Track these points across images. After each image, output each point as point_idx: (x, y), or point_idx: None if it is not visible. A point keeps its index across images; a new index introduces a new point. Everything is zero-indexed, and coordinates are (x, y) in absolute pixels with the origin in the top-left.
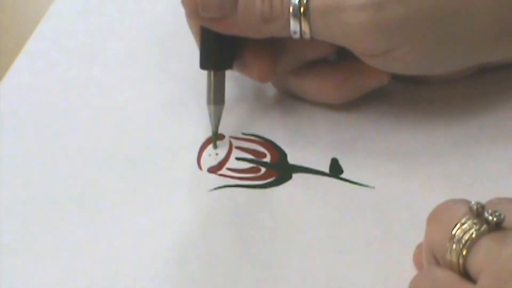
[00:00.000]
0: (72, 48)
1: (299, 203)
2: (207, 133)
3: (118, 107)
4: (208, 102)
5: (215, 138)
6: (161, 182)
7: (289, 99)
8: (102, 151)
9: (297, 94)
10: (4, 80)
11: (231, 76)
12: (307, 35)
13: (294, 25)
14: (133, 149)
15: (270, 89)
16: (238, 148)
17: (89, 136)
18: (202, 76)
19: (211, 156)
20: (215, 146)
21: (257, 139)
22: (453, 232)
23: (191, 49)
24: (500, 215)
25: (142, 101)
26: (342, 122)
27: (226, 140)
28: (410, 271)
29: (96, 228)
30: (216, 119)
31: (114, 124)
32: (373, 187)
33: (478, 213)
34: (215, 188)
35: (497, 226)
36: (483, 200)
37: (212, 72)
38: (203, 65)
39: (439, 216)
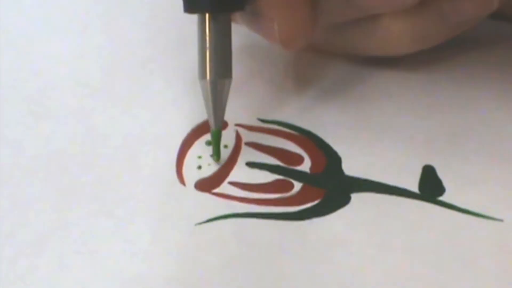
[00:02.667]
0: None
1: (367, 248)
2: (192, 120)
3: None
4: (202, 76)
5: (216, 147)
6: (112, 211)
7: (339, 66)
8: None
9: (339, 49)
10: None
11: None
12: None
13: None
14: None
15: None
16: (250, 145)
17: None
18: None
19: (201, 161)
20: (217, 157)
21: (286, 130)
22: None
23: None
24: None
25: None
26: (432, 103)
27: (230, 130)
28: None
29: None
30: (216, 105)
31: None
32: (501, 220)
33: None
34: (208, 221)
35: None
36: None
37: (208, 17)
38: (191, 5)
39: None
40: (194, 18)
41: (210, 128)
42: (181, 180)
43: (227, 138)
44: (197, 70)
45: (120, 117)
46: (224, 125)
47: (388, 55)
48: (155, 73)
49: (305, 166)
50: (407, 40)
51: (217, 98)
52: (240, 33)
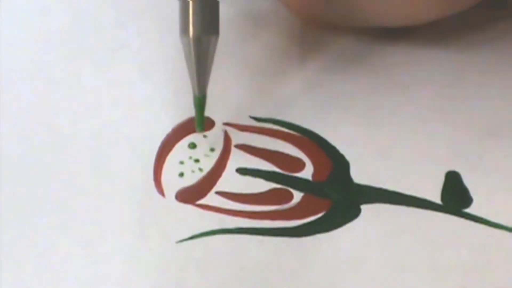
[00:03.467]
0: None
1: (382, 270)
2: (173, 118)
3: None
4: (184, 31)
5: (200, 117)
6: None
7: (347, 47)
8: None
9: (354, 19)
10: None
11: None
12: None
13: None
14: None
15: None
16: (241, 147)
17: None
18: None
19: (184, 167)
20: (200, 128)
21: (283, 129)
22: None
23: None
24: None
25: None
26: (461, 96)
27: (218, 130)
28: None
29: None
30: (200, 68)
31: None
32: None
33: None
34: (192, 237)
35: None
36: None
37: None
38: None
39: None
40: None
41: (193, 94)
42: (160, 190)
43: (214, 139)
44: (179, 26)
45: (87, 115)
46: (211, 124)
47: (411, 22)
48: (129, 61)
49: (307, 172)
50: (435, 2)
51: (201, 58)
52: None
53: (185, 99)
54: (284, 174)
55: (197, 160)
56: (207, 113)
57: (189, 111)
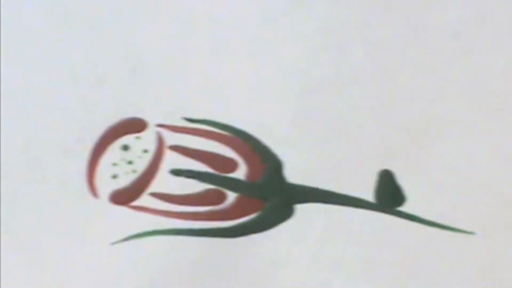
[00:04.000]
0: None
1: (316, 270)
2: (104, 120)
3: None
4: None
5: None
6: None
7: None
8: None
9: None
10: None
11: None
12: None
13: None
14: None
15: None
16: (175, 149)
17: None
18: None
19: (117, 169)
20: None
21: (217, 130)
22: None
23: None
24: None
25: None
26: (393, 96)
27: (151, 132)
28: None
29: None
30: None
31: None
32: (473, 233)
33: None
34: (126, 239)
35: None
36: None
37: None
38: None
39: None
40: None
41: None
42: (94, 192)
43: (147, 141)
44: None
45: (18, 118)
46: (143, 125)
47: None
48: (59, 65)
49: (240, 173)
50: None
51: None
52: None
53: (116, 101)
54: (217, 174)
55: (130, 162)
56: (140, 114)
57: (122, 113)
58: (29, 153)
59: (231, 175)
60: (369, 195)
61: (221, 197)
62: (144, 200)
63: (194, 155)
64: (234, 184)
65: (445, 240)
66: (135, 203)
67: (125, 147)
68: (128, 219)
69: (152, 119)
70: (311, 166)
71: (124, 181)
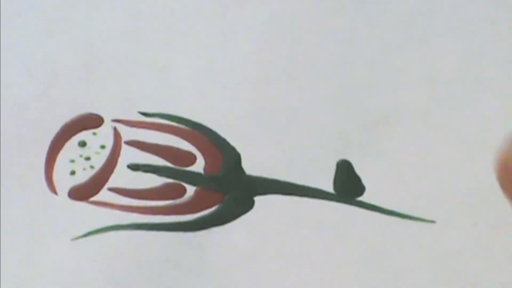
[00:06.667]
0: None
1: (277, 261)
2: (61, 117)
3: None
4: None
5: None
6: None
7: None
8: None
9: None
10: None
11: None
12: None
13: None
14: None
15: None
16: (132, 143)
17: None
18: None
19: (75, 165)
20: None
21: (173, 123)
22: None
23: None
24: None
25: None
26: (350, 86)
27: (107, 127)
28: None
29: None
30: None
31: None
32: (433, 222)
33: None
34: (87, 234)
35: None
36: None
37: None
38: None
39: None
40: None
41: None
42: (52, 188)
43: (104, 136)
44: None
45: None
46: (99, 121)
47: None
48: (14, 62)
49: (198, 166)
50: None
51: None
52: None
53: (71, 98)
54: (176, 168)
55: (88, 158)
56: (96, 110)
57: (77, 109)
58: None
59: (190, 168)
60: (328, 186)
61: (181, 191)
62: (103, 195)
63: (152, 149)
64: (193, 178)
65: (405, 229)
66: (95, 198)
67: (82, 143)
68: (88, 215)
69: (108, 114)
70: (270, 158)
71: (83, 177)
